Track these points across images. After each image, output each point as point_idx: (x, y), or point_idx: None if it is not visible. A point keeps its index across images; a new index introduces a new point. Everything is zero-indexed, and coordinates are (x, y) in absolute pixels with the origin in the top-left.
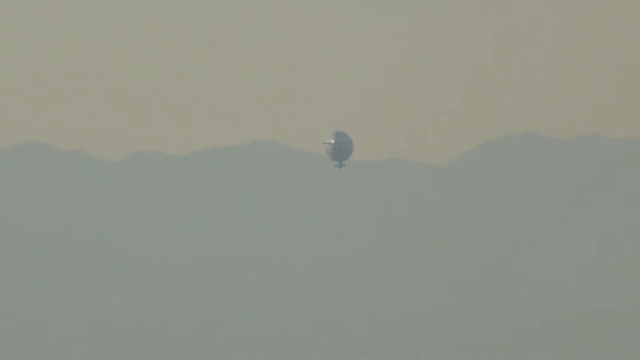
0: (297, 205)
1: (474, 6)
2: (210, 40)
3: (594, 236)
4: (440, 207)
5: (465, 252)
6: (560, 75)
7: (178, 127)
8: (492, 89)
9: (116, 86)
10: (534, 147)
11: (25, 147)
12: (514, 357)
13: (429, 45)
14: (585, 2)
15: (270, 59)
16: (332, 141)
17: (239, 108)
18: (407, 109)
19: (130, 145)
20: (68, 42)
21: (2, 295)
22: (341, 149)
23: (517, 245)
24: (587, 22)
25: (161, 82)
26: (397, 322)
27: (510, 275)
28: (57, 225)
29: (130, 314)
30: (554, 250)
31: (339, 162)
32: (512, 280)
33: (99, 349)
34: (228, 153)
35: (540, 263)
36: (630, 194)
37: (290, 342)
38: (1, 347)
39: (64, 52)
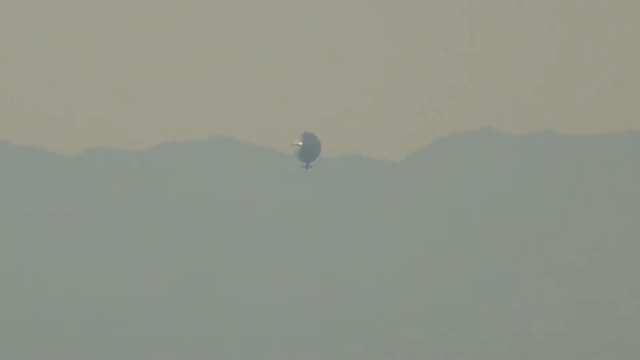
0: (255, 202)
1: (433, 5)
2: (169, 34)
3: (546, 231)
4: (397, 202)
5: (422, 247)
6: (516, 71)
7: (135, 123)
8: (448, 85)
9: (74, 80)
10: (489, 143)
11: None
12: (466, 350)
13: (386, 42)
14: (544, 0)
15: (230, 55)
16: (300, 143)
17: (197, 104)
18: (363, 105)
19: (88, 140)
20: (24, 35)
21: None
22: (308, 151)
23: (472, 240)
24: (543, 21)
25: (119, 76)
26: (360, 319)
27: (467, 270)
28: (13, 221)
29: (84, 309)
30: (508, 245)
31: (306, 163)
32: (468, 275)
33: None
34: (186, 149)
35: (495, 258)
36: (583, 190)
37: (249, 341)
38: None
39: (20, 45)
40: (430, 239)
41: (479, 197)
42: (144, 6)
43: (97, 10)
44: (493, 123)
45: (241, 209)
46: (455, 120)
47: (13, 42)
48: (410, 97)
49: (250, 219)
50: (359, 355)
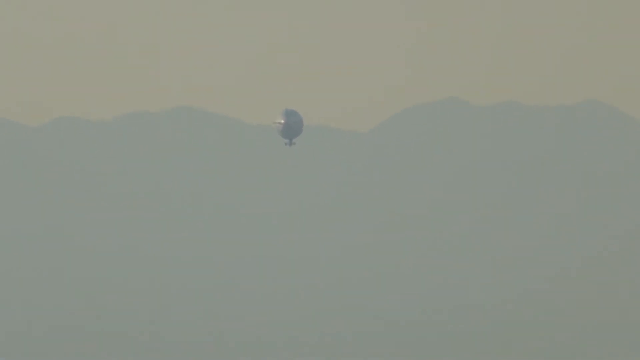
0: (219, 171)
1: None
2: (131, 3)
3: (512, 200)
4: (364, 172)
5: (388, 218)
6: (480, 42)
7: (100, 92)
8: (413, 56)
9: (37, 50)
10: (454, 113)
11: None
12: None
13: (351, 12)
14: None
15: (191, 23)
16: (282, 121)
17: (161, 73)
18: (329, 75)
19: (52, 110)
20: None
21: None
22: (291, 129)
23: (439, 209)
24: None
25: (83, 47)
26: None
27: (436, 240)
28: None
29: (57, 297)
30: (476, 214)
31: (289, 140)
32: (437, 246)
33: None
34: (150, 118)
35: (463, 227)
36: (546, 158)
37: (225, 328)
38: None
39: None
40: (395, 209)
41: (445, 166)
42: None
43: None
44: (458, 93)
45: (209, 181)
46: (421, 90)
47: None
48: (376, 68)
49: (219, 190)
50: (337, 326)
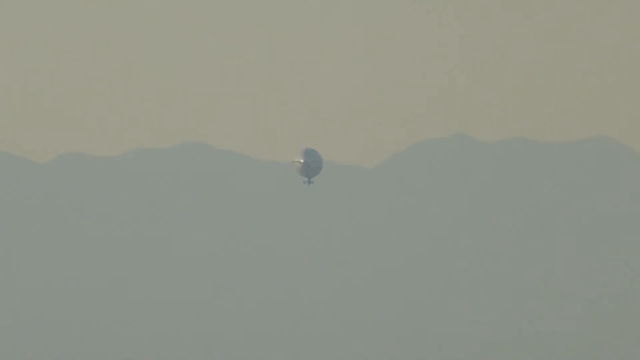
0: (225, 206)
1: (409, 16)
2: (138, 37)
3: (520, 236)
4: (368, 209)
5: (393, 254)
6: (490, 78)
7: (107, 128)
8: (421, 92)
9: (43, 85)
10: (462, 149)
11: None
12: None
13: (360, 51)
14: (517, 11)
15: (198, 59)
16: (302, 161)
17: (168, 109)
18: (335, 110)
19: (59, 146)
20: None
21: None
22: (309, 168)
23: (445, 246)
24: (517, 30)
25: (89, 82)
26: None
27: (441, 276)
28: None
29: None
30: (483, 251)
31: (307, 178)
32: (442, 282)
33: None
34: (156, 154)
35: (469, 264)
36: (556, 195)
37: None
38: None
39: None
40: (400, 244)
41: (451, 202)
42: (119, 13)
43: (66, 16)
44: (465, 130)
45: (210, 211)
46: (427, 127)
47: None
48: (383, 104)
49: (226, 224)
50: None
